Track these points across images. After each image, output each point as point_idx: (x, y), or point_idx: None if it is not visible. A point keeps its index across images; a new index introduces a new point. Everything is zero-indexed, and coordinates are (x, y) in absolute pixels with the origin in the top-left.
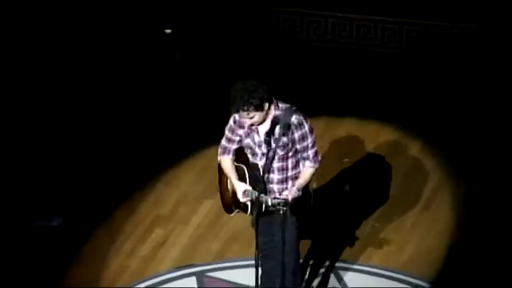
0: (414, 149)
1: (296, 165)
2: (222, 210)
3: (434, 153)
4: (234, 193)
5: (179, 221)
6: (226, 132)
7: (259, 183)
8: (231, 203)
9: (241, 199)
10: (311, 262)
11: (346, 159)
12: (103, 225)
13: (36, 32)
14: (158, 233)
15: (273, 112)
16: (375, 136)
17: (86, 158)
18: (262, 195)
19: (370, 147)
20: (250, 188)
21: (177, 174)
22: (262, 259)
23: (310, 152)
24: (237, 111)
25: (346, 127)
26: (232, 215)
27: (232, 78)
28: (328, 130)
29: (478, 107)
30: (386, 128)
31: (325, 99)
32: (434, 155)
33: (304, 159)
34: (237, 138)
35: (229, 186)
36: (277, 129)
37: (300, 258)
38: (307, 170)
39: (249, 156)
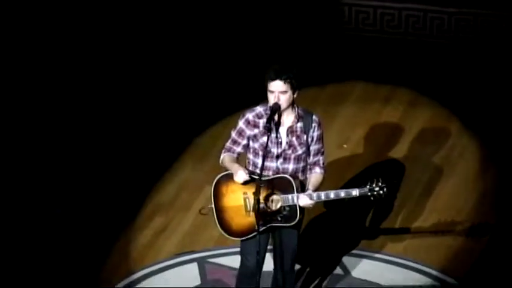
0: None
1: (303, 171)
2: None
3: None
4: (260, 210)
5: (180, 207)
6: (233, 134)
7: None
8: (252, 223)
9: (274, 207)
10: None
11: (345, 145)
12: (103, 213)
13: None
14: (159, 220)
15: (296, 108)
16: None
17: (86, 147)
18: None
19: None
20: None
21: (178, 161)
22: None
23: (321, 158)
24: (274, 78)
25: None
26: (250, 236)
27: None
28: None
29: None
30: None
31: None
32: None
33: (315, 164)
34: (244, 142)
35: (248, 207)
36: (299, 126)
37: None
38: (318, 176)
39: (257, 160)
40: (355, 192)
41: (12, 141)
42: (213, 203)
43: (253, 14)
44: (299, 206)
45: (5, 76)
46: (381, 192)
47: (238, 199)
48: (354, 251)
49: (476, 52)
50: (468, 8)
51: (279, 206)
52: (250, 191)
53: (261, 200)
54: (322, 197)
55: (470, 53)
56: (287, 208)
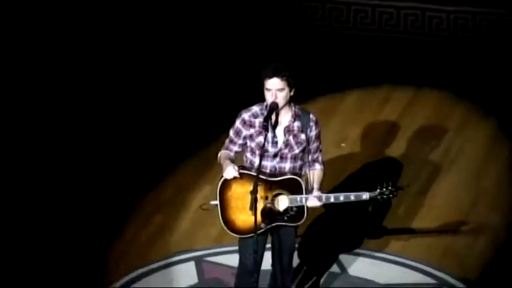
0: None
1: (300, 169)
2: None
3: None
4: (267, 209)
5: (178, 206)
6: (231, 133)
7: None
8: (258, 221)
9: (281, 207)
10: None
11: (343, 144)
12: (102, 212)
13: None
14: (157, 219)
15: (292, 107)
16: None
17: (88, 146)
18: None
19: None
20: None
21: (176, 160)
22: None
23: (320, 155)
24: (272, 76)
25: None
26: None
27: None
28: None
29: None
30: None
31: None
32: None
33: (314, 161)
34: (240, 141)
35: (259, 205)
36: (296, 125)
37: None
38: (319, 173)
39: (254, 159)
40: (365, 195)
41: (15, 139)
42: (218, 199)
43: (252, 16)
44: (306, 207)
45: (5, 76)
46: (391, 195)
47: (245, 197)
48: (351, 249)
49: (475, 50)
50: (466, 6)
51: (286, 206)
52: (258, 190)
53: (268, 200)
54: (332, 199)
55: (469, 51)
56: (294, 208)
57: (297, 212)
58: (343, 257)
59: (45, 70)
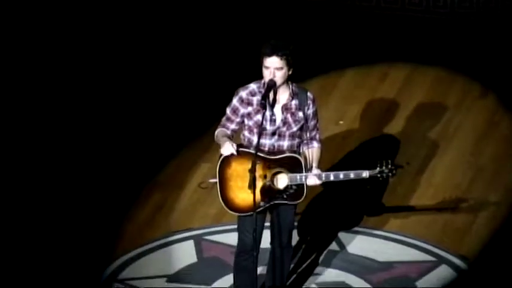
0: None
1: (298, 147)
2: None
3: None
4: (266, 187)
5: (176, 185)
6: (228, 112)
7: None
8: (256, 199)
9: (280, 185)
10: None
11: (341, 121)
12: (102, 192)
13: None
14: (156, 197)
15: (290, 85)
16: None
17: (86, 129)
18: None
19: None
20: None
21: (174, 139)
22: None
23: (318, 132)
24: (271, 54)
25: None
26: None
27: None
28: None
29: None
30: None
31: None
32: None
33: (312, 139)
34: (238, 119)
35: (258, 183)
36: (294, 103)
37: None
38: (317, 150)
39: (252, 137)
40: (365, 174)
41: (17, 126)
42: (217, 177)
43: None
44: (306, 185)
45: (4, 76)
46: (390, 174)
47: (244, 176)
48: (350, 227)
49: (473, 27)
50: None
51: (285, 184)
52: (257, 168)
53: (268, 178)
54: (331, 178)
55: (467, 27)
56: (294, 187)
57: (296, 190)
58: (342, 235)
59: (39, 65)
